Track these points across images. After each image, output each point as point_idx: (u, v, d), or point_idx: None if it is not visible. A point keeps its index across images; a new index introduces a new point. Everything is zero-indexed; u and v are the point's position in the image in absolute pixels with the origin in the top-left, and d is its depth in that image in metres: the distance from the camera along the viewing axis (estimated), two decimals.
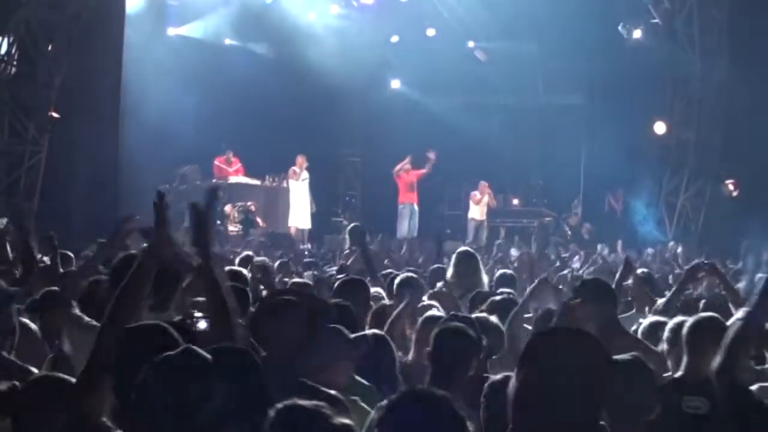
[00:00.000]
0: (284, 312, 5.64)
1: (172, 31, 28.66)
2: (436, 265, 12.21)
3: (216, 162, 26.83)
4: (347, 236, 15.20)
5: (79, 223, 19.60)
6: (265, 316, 5.70)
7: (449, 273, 10.62)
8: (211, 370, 3.81)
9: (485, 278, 10.59)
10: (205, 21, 28.60)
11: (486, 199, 27.14)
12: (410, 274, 9.82)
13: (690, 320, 6.58)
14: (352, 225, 16.41)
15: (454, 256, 10.92)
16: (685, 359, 6.44)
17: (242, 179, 26.70)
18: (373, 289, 9.05)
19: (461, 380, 5.92)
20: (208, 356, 3.84)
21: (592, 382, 3.80)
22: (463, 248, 11.70)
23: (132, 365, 4.10)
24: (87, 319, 6.80)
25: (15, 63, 21.64)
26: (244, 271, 9.54)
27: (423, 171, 26.43)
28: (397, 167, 26.18)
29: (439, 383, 5.38)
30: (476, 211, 27.21)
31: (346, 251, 14.76)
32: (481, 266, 10.91)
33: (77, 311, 6.96)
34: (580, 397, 3.74)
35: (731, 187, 25.38)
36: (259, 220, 24.92)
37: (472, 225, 27.01)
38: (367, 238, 14.05)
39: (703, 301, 9.12)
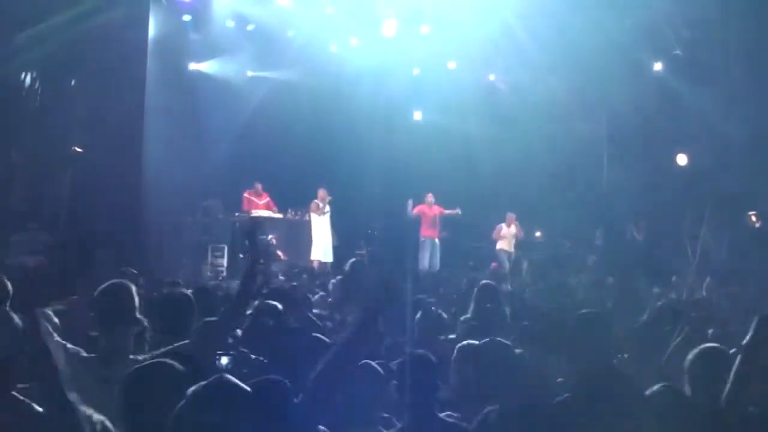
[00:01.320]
0: None
1: (193, 66, 28.78)
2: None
3: (245, 195, 26.84)
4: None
5: (102, 254, 19.64)
6: None
7: (470, 307, 10.53)
8: (248, 400, 3.79)
9: (507, 311, 10.56)
10: (226, 55, 28.71)
11: (513, 230, 27.18)
12: None
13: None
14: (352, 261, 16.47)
15: (475, 290, 10.83)
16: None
17: (264, 212, 26.70)
18: None
19: None
20: (245, 387, 3.82)
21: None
22: (483, 281, 11.60)
23: (142, 405, 4.25)
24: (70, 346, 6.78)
25: (38, 98, 21.78)
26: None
27: (449, 211, 26.59)
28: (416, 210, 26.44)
29: None
30: (505, 243, 27.25)
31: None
32: (503, 299, 10.89)
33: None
34: None
35: (754, 218, 25.27)
36: (280, 253, 24.90)
37: (504, 257, 27.03)
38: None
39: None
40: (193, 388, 3.81)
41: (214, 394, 3.78)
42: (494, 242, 27.98)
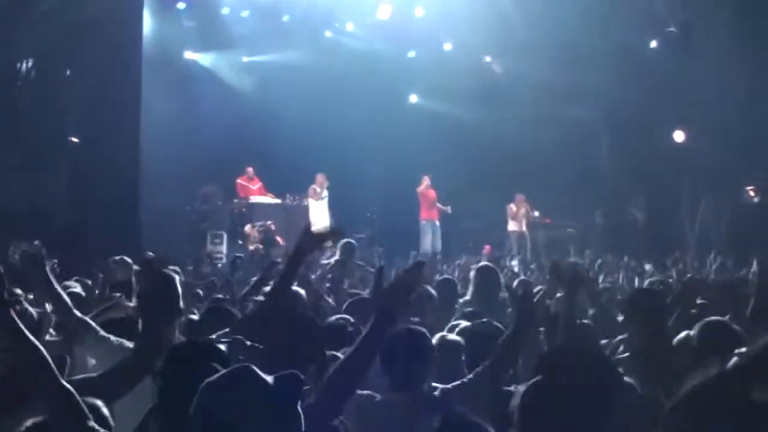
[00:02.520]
0: None
1: (188, 55, 28.84)
2: (443, 277, 12.21)
3: (239, 181, 27.05)
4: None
5: (100, 245, 19.63)
6: None
7: (469, 289, 10.48)
8: (269, 392, 3.75)
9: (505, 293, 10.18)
10: (221, 42, 28.83)
11: (522, 211, 27.24)
12: None
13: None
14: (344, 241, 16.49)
15: (473, 272, 10.80)
16: None
17: (263, 199, 26.84)
18: None
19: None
20: (268, 378, 3.78)
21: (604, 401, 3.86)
22: (482, 263, 11.63)
23: (178, 384, 4.22)
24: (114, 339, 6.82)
25: (34, 88, 21.77)
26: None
27: (441, 207, 26.76)
28: (419, 188, 26.50)
29: None
30: (515, 224, 27.33)
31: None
32: (502, 281, 10.65)
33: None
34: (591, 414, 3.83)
35: (752, 193, 25.31)
36: (279, 239, 24.89)
37: (513, 237, 27.12)
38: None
39: None
40: (210, 379, 3.79)
41: (233, 384, 3.77)
42: (491, 224, 28.12)
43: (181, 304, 6.55)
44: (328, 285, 11.71)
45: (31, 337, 4.72)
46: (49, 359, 4.67)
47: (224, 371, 3.83)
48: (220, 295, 10.39)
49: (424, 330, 6.35)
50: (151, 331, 6.08)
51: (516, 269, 17.84)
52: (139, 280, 8.48)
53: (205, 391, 3.71)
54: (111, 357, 6.32)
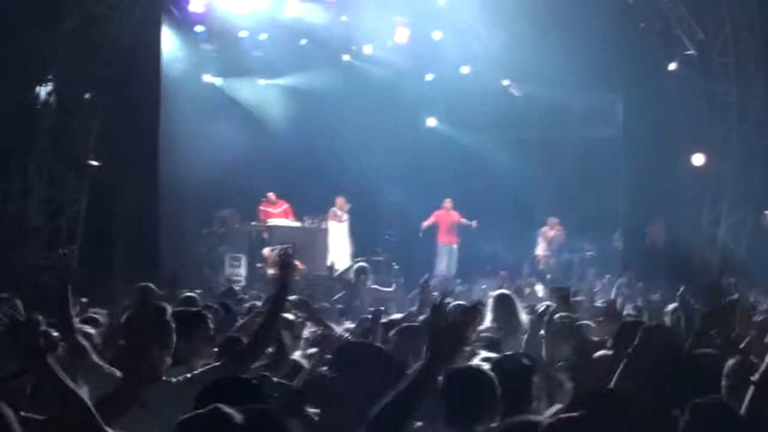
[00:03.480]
0: None
1: (207, 78, 28.97)
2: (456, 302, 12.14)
3: (261, 207, 26.96)
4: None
5: (120, 267, 19.70)
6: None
7: (488, 317, 10.39)
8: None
9: (524, 319, 10.30)
10: (239, 65, 28.90)
11: (551, 233, 27.36)
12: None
13: None
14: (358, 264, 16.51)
15: (491, 300, 10.75)
16: None
17: (282, 221, 26.79)
18: None
19: None
20: (238, 418, 3.70)
21: None
22: (499, 291, 11.61)
23: None
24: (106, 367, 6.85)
25: (54, 112, 21.81)
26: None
27: (466, 222, 26.78)
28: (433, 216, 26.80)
29: None
30: (544, 248, 27.55)
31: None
32: (519, 308, 10.66)
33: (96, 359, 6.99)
34: None
35: None
36: (297, 262, 24.79)
37: (543, 261, 27.35)
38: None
39: None
40: (183, 417, 3.74)
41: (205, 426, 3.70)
42: (509, 247, 28.14)
43: (173, 337, 6.63)
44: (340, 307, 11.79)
45: (72, 386, 4.73)
46: (92, 408, 4.64)
47: (196, 413, 3.79)
48: None
49: (486, 369, 6.30)
50: (138, 361, 6.01)
51: (540, 294, 17.73)
52: (132, 307, 8.40)
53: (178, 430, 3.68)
54: (101, 384, 6.35)
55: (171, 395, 6.03)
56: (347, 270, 15.71)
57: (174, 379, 6.50)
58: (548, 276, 24.88)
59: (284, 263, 7.03)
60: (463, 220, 27.11)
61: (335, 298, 14.44)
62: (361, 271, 15.83)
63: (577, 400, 5.10)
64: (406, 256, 27.19)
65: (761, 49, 24.54)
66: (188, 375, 6.60)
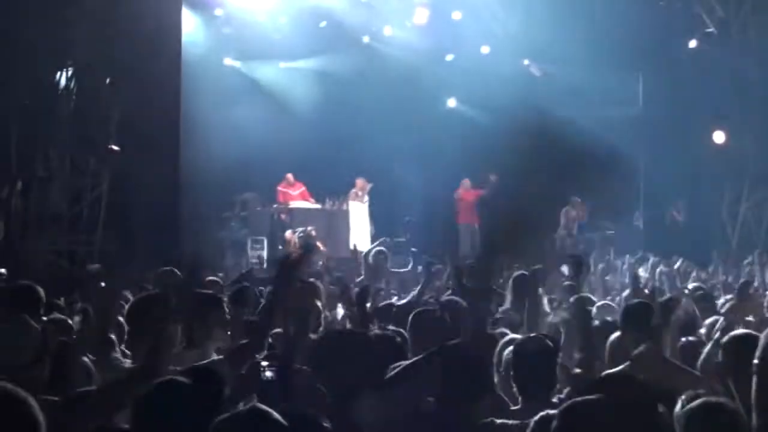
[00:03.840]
0: None
1: (228, 61, 29.09)
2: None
3: (279, 188, 27.09)
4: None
5: (141, 252, 19.75)
6: None
7: (507, 298, 10.50)
8: None
9: (545, 302, 10.25)
10: (259, 48, 28.95)
11: (573, 213, 27.47)
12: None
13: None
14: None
15: (510, 281, 10.79)
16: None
17: (303, 204, 26.89)
18: None
19: None
20: (281, 420, 3.78)
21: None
22: (517, 272, 11.46)
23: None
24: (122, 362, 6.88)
25: (74, 97, 21.90)
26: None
27: (481, 192, 26.66)
28: (458, 191, 26.58)
29: None
30: (566, 228, 27.52)
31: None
32: (540, 289, 10.46)
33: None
34: None
35: None
36: (319, 244, 24.90)
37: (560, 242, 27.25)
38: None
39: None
40: (221, 417, 3.78)
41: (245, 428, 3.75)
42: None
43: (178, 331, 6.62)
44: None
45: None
46: None
47: (233, 413, 3.92)
48: None
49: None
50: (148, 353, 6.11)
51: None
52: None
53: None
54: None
55: None
56: (367, 253, 15.72)
57: (179, 368, 6.25)
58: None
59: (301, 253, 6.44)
60: (481, 191, 27.24)
61: (357, 281, 14.42)
62: (379, 253, 15.83)
63: (583, 384, 5.17)
64: (427, 238, 27.20)
65: None
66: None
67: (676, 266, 17.56)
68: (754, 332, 6.41)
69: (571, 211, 27.54)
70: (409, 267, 20.35)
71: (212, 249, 24.48)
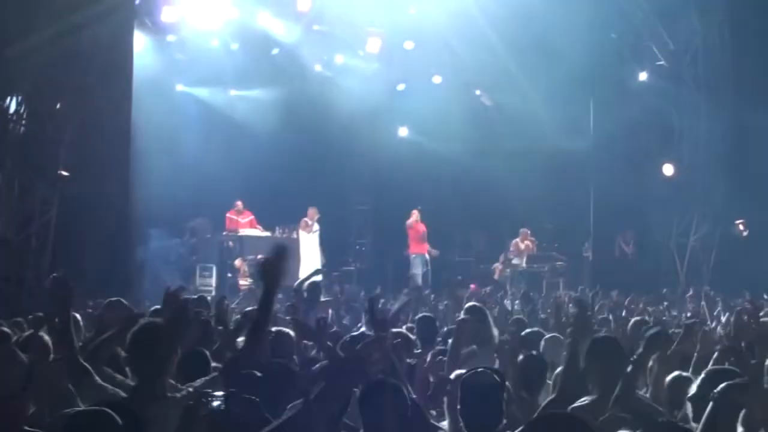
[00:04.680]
0: None
1: (179, 87, 29.17)
2: (422, 314, 12.09)
3: (228, 215, 27.17)
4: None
5: (92, 277, 19.65)
6: None
7: None
8: None
9: (495, 332, 10.31)
10: (210, 75, 28.98)
11: (525, 245, 27.56)
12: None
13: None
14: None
15: (462, 312, 10.70)
16: None
17: (253, 231, 26.99)
18: None
19: None
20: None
21: None
22: (470, 304, 11.60)
23: None
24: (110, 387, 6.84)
25: (24, 122, 21.75)
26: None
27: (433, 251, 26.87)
28: (408, 221, 26.59)
29: None
30: (517, 260, 27.69)
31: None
32: (491, 320, 10.67)
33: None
34: None
35: (741, 227, 25.41)
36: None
37: (515, 273, 27.37)
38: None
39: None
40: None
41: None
42: (481, 257, 28.33)
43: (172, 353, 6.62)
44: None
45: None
46: None
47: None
48: None
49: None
50: (144, 379, 6.27)
51: (510, 307, 17.71)
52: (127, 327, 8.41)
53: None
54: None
55: (176, 411, 5.90)
56: (300, 284, 15.62)
57: (178, 395, 6.49)
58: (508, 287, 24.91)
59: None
60: (429, 247, 27.02)
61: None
62: (313, 286, 15.83)
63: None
64: (379, 266, 27.27)
65: (730, 60, 24.80)
66: (190, 388, 6.63)
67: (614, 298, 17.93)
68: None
69: (520, 242, 27.65)
70: (362, 295, 20.39)
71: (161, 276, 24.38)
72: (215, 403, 5.40)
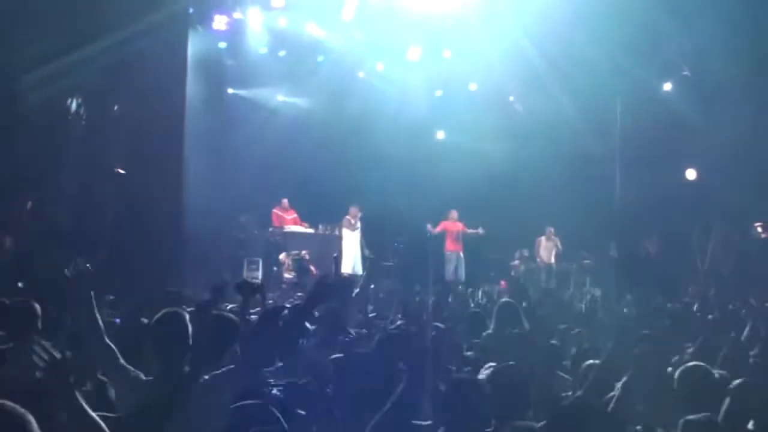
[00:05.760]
0: None
1: (230, 91, 30.29)
2: (473, 310, 12.82)
3: (274, 211, 28.10)
4: None
5: (147, 271, 20.13)
6: None
7: (492, 324, 10.83)
8: None
9: (527, 327, 10.62)
10: (260, 80, 29.97)
11: (551, 243, 28.60)
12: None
13: None
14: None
15: (495, 308, 11.17)
16: None
17: (297, 228, 27.89)
18: None
19: None
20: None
21: None
22: (503, 300, 12.11)
23: None
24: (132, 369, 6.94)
25: (83, 122, 22.69)
26: None
27: (472, 231, 27.68)
28: (445, 221, 27.64)
29: None
30: (544, 256, 28.62)
31: None
32: (523, 316, 10.95)
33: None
34: None
35: (760, 230, 25.77)
36: (312, 267, 25.75)
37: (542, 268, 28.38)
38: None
39: None
40: None
41: None
42: (513, 254, 29.07)
43: (189, 340, 6.78)
44: None
45: (95, 417, 5.19)
46: None
47: None
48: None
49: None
50: (167, 366, 6.56)
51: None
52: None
53: None
54: (126, 387, 6.75)
55: (201, 394, 6.44)
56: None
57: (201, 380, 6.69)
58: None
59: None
60: (469, 230, 27.89)
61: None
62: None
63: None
64: (416, 262, 27.87)
65: (751, 70, 25.17)
66: (207, 376, 6.70)
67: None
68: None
69: (546, 240, 28.59)
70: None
71: (213, 268, 24.90)
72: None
